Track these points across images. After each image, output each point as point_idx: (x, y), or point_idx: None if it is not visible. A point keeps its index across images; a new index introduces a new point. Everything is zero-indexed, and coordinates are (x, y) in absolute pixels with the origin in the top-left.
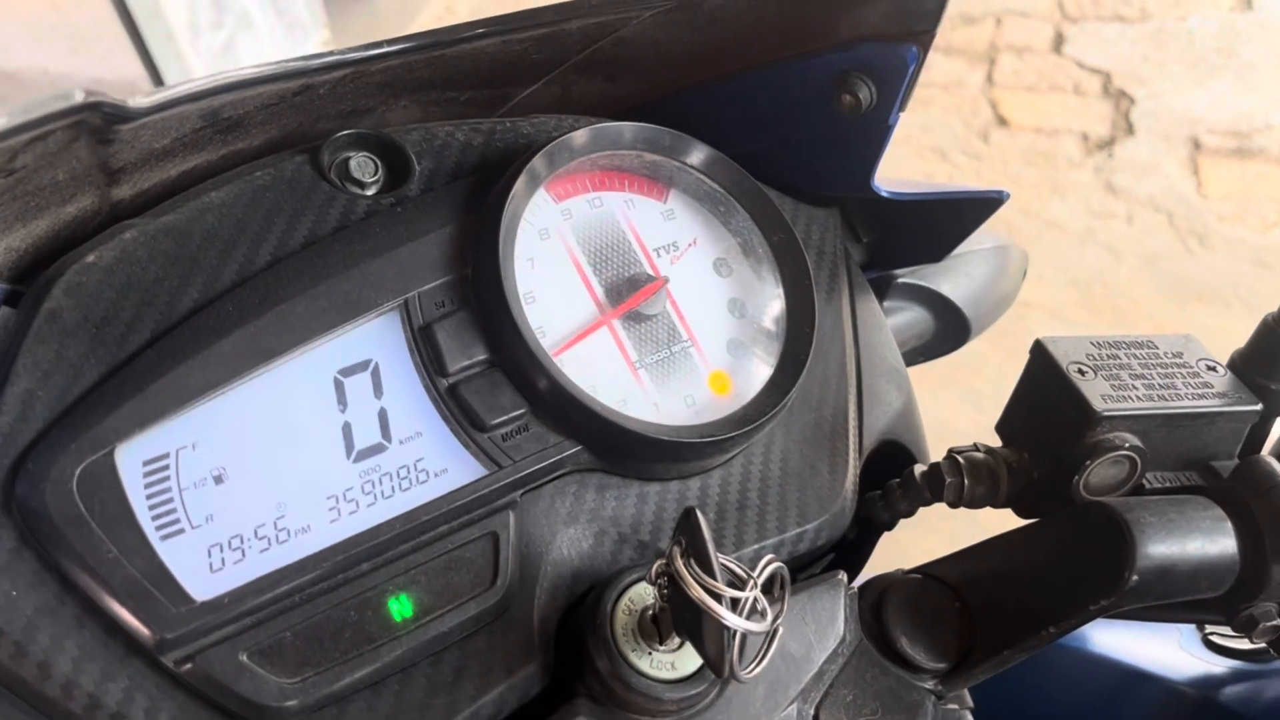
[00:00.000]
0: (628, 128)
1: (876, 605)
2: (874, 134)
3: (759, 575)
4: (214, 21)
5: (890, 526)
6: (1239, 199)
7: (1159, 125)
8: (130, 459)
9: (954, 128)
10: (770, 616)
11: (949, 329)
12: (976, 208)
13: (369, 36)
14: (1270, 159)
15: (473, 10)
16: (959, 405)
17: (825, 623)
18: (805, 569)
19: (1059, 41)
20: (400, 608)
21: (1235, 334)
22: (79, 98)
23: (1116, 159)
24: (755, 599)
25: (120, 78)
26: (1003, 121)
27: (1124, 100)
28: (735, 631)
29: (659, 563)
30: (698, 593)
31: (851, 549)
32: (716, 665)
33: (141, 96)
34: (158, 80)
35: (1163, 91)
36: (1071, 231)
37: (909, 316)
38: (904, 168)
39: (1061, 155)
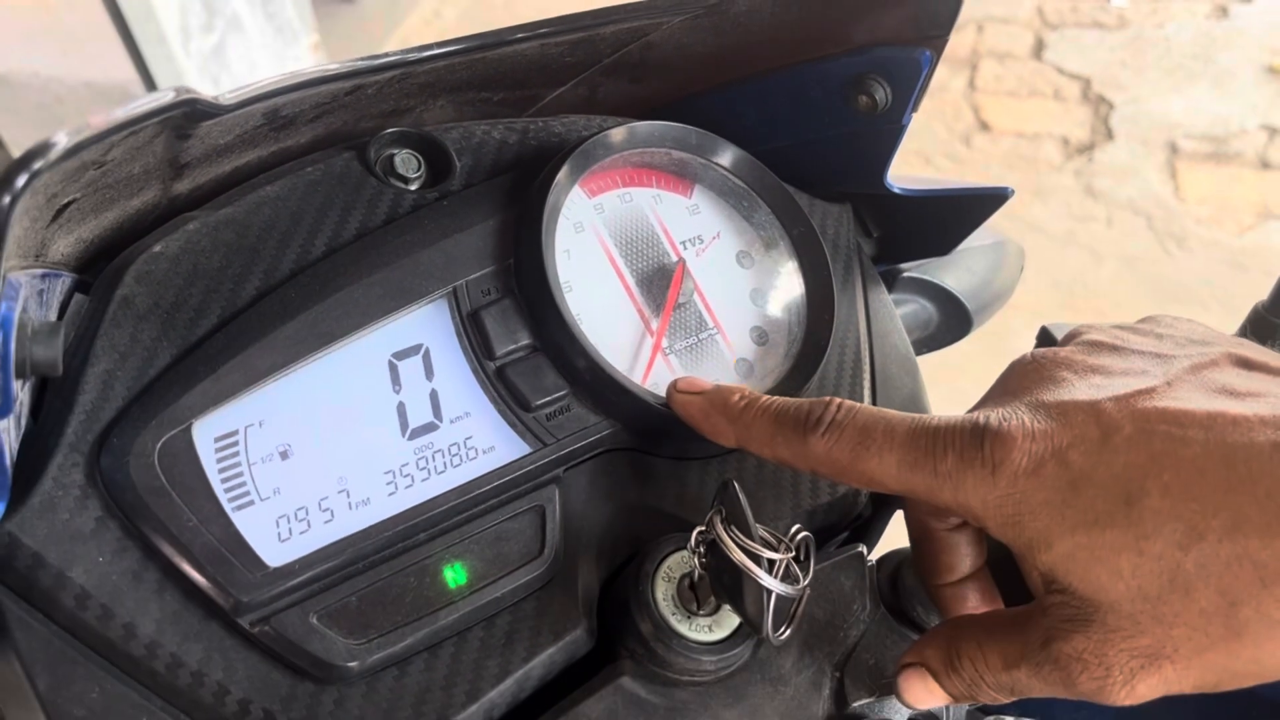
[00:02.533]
0: (659, 126)
1: (893, 577)
2: (887, 133)
3: (791, 540)
4: (205, 24)
5: (902, 505)
6: (1216, 202)
7: (1137, 130)
8: (204, 435)
9: (936, 132)
10: (802, 580)
11: (952, 321)
12: (982, 203)
13: (356, 40)
14: (1246, 163)
15: (460, 14)
16: (945, 405)
17: (848, 592)
18: (823, 544)
19: (1039, 48)
20: (455, 575)
21: None
22: (171, 96)
23: (1096, 163)
24: (788, 564)
25: (112, 80)
26: (985, 126)
27: (1103, 105)
28: (772, 592)
29: (698, 530)
30: (739, 555)
31: (866, 526)
32: (756, 624)
33: (227, 94)
34: (150, 83)
35: (1141, 97)
36: (1053, 234)
37: (914, 309)
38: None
39: (1042, 159)
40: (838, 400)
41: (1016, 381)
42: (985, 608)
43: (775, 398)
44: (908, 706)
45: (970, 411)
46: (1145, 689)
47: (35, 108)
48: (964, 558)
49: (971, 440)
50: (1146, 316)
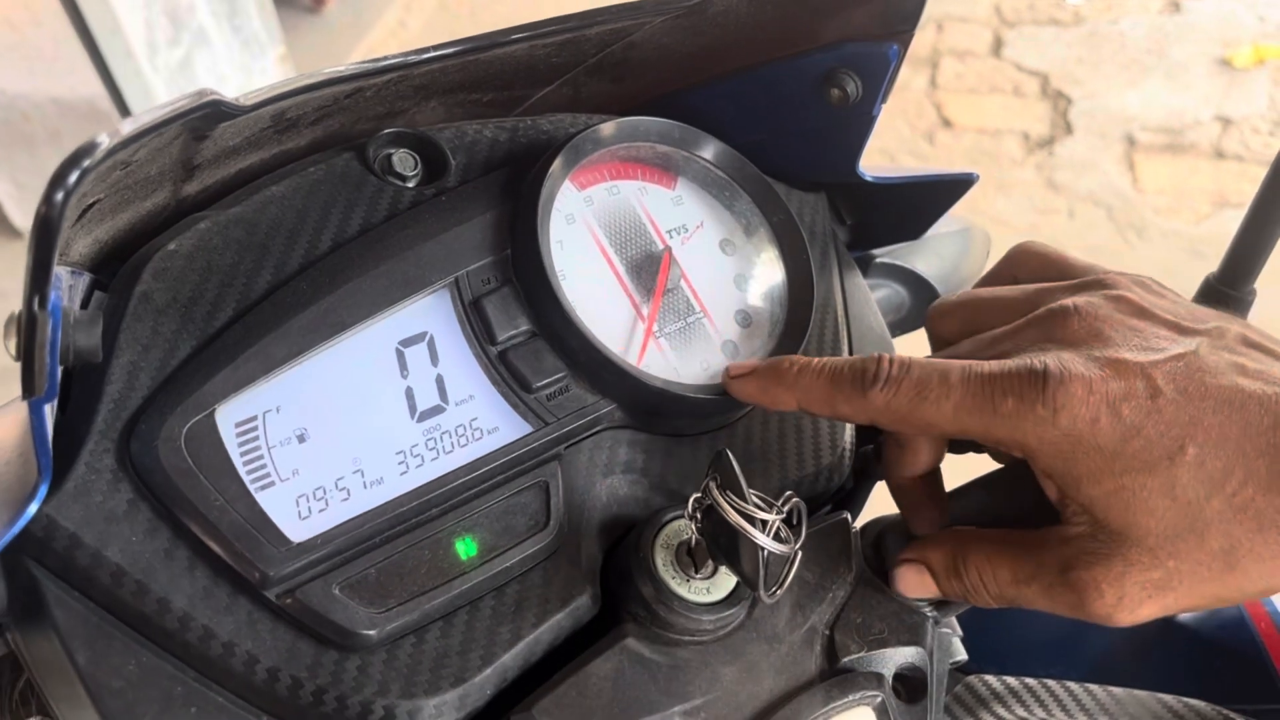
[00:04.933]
0: (644, 121)
1: (876, 542)
2: (859, 124)
3: (783, 504)
4: (171, 39)
5: (882, 477)
6: (1173, 193)
7: (1095, 124)
8: (226, 420)
9: (900, 130)
10: (794, 541)
11: (923, 304)
12: (950, 189)
13: (323, 52)
14: (1201, 154)
15: (424, 25)
16: None
17: (835, 554)
18: (809, 514)
19: (998, 45)
20: (466, 548)
21: None
22: (197, 98)
23: (1056, 157)
24: (779, 527)
25: (79, 96)
26: (947, 123)
27: (1061, 100)
28: (767, 550)
29: (695, 497)
30: (735, 517)
31: (848, 498)
32: (752, 582)
33: (244, 96)
34: (118, 98)
35: (1098, 91)
36: (1016, 227)
37: (886, 293)
38: None
39: (1004, 154)
40: (886, 355)
41: (1061, 330)
42: (933, 501)
43: (824, 359)
44: (898, 597)
45: (1017, 355)
46: (1147, 613)
47: (2, 125)
48: (924, 456)
49: (1031, 385)
50: (1144, 278)
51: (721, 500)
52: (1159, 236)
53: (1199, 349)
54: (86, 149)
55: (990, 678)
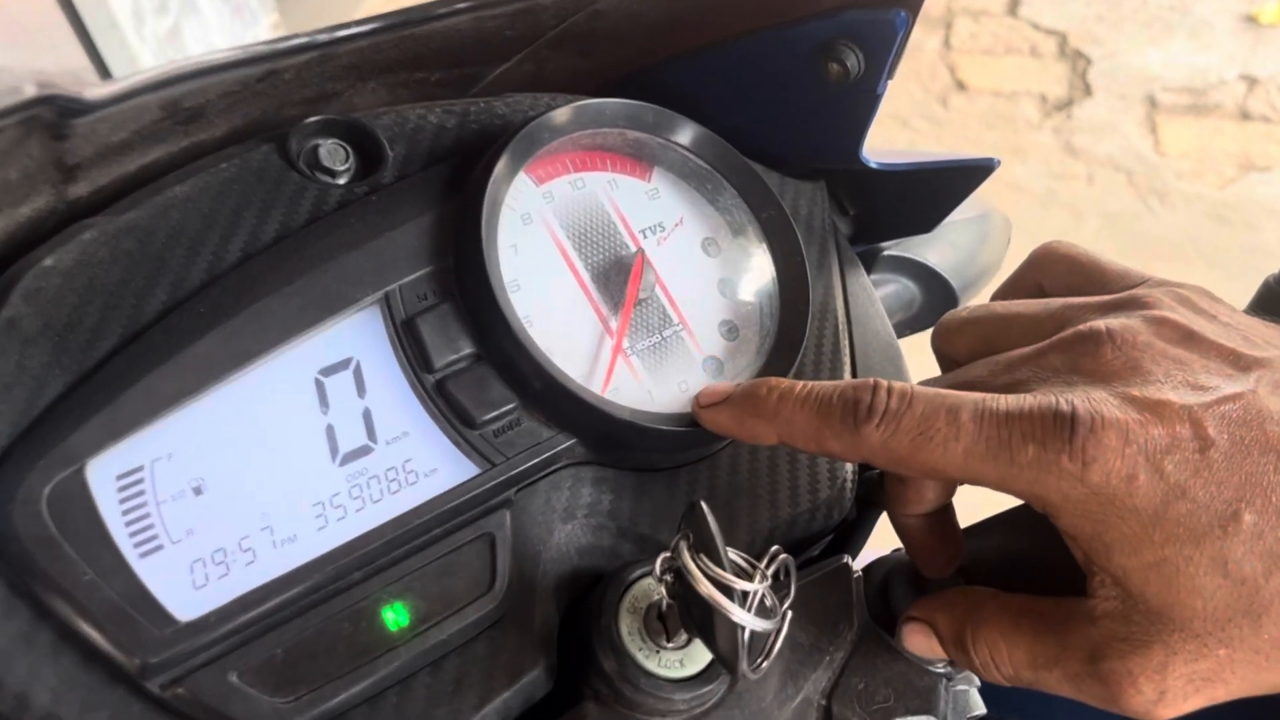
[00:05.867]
0: (610, 104)
1: (881, 589)
2: (862, 103)
3: (766, 567)
4: (159, 7)
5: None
6: (1196, 156)
7: (1116, 85)
8: (102, 474)
9: (913, 93)
10: (780, 608)
11: (936, 299)
12: (966, 176)
13: (319, 19)
14: (1225, 115)
15: None
16: None
17: (833, 610)
18: (805, 550)
19: (1014, 4)
20: (396, 617)
21: None
22: (30, 92)
23: (1075, 120)
24: (763, 595)
25: (65, 68)
26: (961, 85)
27: (1080, 61)
28: (746, 629)
29: (664, 557)
30: (708, 589)
31: (851, 530)
32: (730, 663)
33: (96, 88)
34: (104, 70)
35: (1118, 51)
36: (1033, 193)
37: (896, 289)
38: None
39: (1020, 117)
40: (884, 384)
41: (1091, 360)
42: (945, 543)
43: (809, 384)
44: (906, 654)
45: (1039, 388)
46: (1191, 707)
47: None
48: (933, 491)
49: (1056, 431)
50: (1190, 289)
51: (693, 567)
52: (1181, 202)
53: (1258, 387)
54: None
55: None
